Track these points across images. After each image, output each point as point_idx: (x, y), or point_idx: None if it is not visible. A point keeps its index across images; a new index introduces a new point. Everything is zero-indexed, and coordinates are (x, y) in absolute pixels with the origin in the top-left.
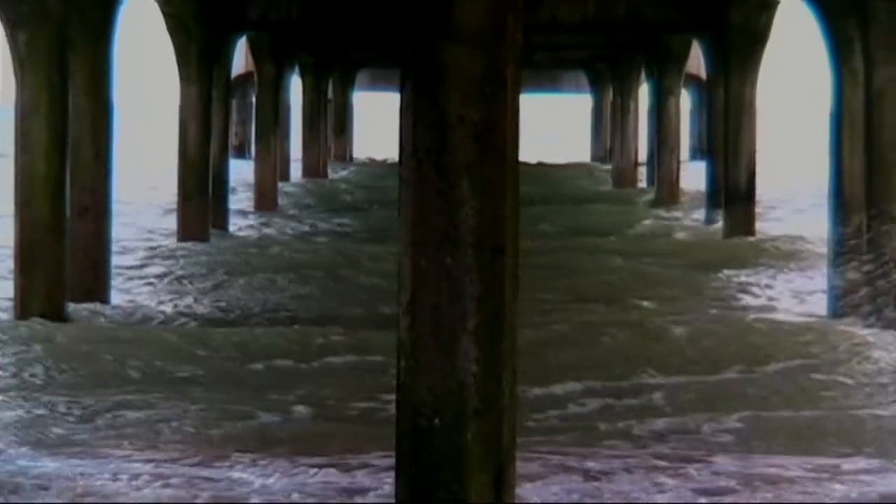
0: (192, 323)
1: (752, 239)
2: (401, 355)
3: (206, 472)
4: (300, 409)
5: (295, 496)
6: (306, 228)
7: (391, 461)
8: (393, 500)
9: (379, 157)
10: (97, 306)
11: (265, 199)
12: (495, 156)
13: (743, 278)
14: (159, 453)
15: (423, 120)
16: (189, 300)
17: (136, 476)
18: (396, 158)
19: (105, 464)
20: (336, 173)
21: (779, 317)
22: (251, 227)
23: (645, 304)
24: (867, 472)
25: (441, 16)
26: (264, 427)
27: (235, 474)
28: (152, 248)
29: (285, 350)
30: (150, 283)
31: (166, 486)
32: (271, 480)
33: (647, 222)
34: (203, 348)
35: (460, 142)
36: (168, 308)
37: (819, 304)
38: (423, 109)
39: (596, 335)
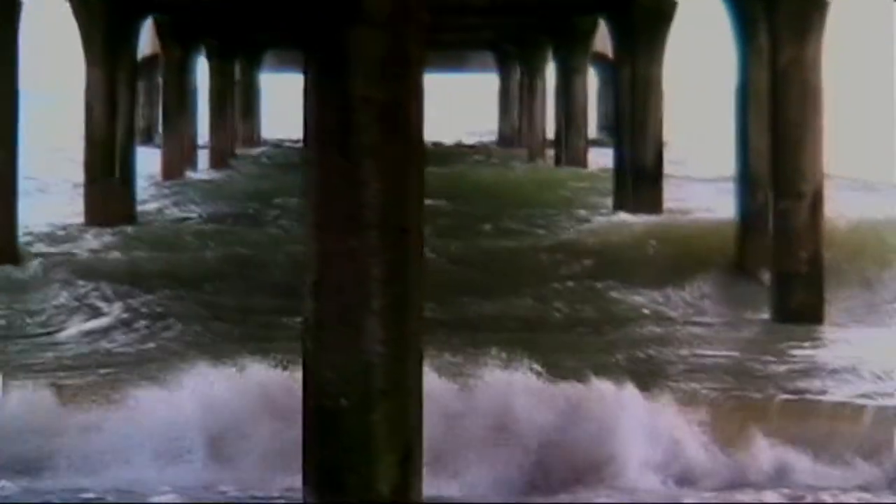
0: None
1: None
2: (306, 336)
3: None
4: None
5: None
6: None
7: None
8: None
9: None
10: None
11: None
12: (399, 136)
13: None
14: None
15: (326, 101)
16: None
17: None
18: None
19: None
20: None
21: None
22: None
23: None
24: None
25: None
26: None
27: None
28: (58, 235)
29: None
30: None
31: None
32: None
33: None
34: None
35: (364, 122)
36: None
37: None
38: (327, 90)
39: None
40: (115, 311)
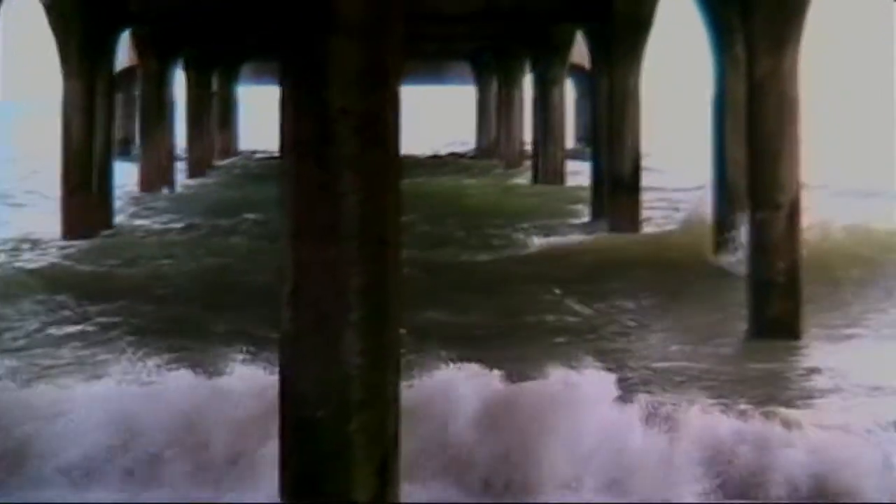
0: None
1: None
2: (283, 347)
3: None
4: None
5: None
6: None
7: None
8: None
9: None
10: None
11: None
12: (377, 147)
13: None
14: None
15: (304, 112)
16: None
17: None
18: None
19: None
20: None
21: None
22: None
23: None
24: None
25: (322, 7)
26: None
27: None
28: (33, 247)
29: None
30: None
31: None
32: None
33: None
34: None
35: (342, 134)
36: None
37: None
38: (305, 101)
39: None
40: (79, 322)
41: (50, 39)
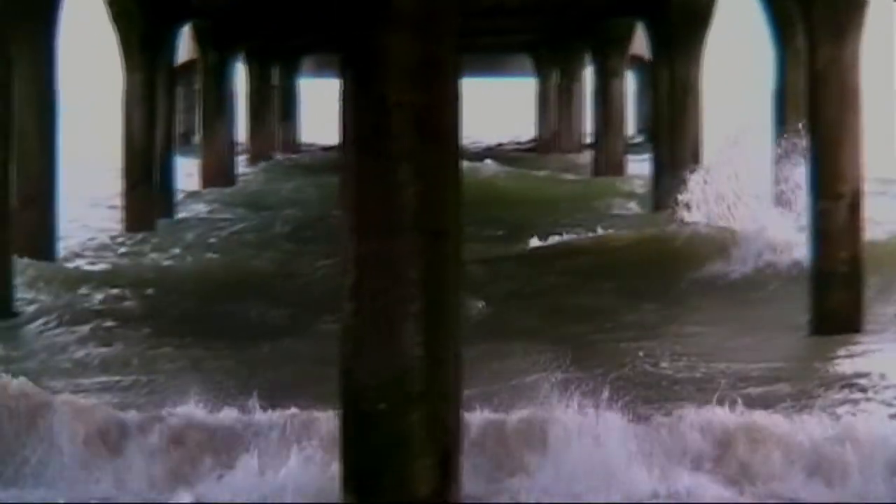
0: None
1: None
2: (345, 340)
3: None
4: None
5: None
6: None
7: None
8: (338, 485)
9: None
10: None
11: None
12: (434, 140)
13: None
14: None
15: (362, 105)
16: None
17: None
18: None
19: None
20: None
21: None
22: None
23: None
24: None
25: (379, 1)
26: None
27: None
28: (96, 241)
29: None
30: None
31: None
32: None
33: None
34: None
35: (399, 126)
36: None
37: None
38: (362, 95)
39: None
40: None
41: (82, 33)
